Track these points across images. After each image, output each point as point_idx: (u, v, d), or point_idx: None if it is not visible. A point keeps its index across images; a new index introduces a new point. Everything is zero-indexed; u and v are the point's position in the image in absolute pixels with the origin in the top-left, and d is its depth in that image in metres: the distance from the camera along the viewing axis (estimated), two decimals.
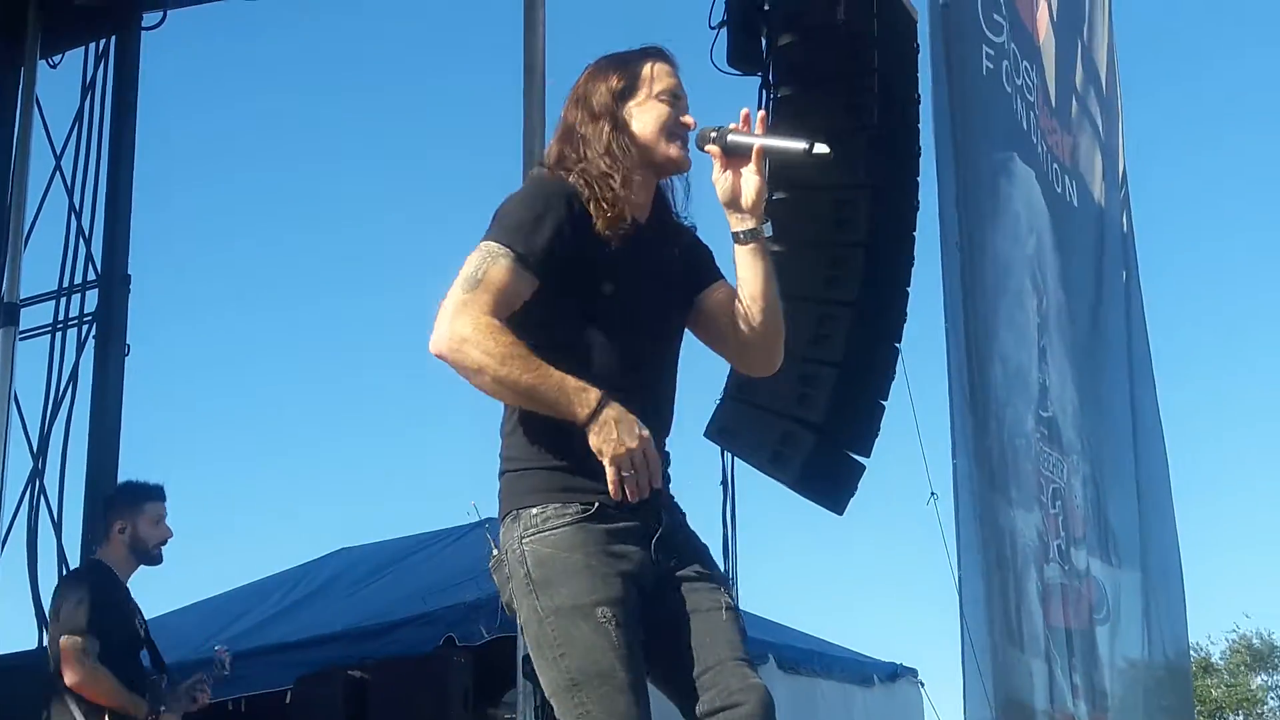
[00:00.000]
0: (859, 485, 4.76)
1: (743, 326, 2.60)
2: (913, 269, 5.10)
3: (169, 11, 7.96)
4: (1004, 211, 5.60)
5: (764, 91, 5.11)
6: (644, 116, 2.61)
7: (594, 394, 2.36)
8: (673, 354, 2.66)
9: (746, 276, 2.58)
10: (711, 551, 2.62)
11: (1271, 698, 29.55)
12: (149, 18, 7.97)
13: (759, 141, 2.50)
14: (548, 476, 2.45)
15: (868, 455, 4.78)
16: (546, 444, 2.46)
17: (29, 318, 8.31)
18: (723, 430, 4.67)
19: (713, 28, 5.12)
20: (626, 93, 2.61)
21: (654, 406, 2.53)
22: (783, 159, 2.52)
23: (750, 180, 2.52)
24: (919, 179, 5.25)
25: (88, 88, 8.46)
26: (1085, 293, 6.76)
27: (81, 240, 8.27)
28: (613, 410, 2.36)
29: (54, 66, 8.45)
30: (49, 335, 8.23)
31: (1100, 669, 6.03)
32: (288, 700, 7.19)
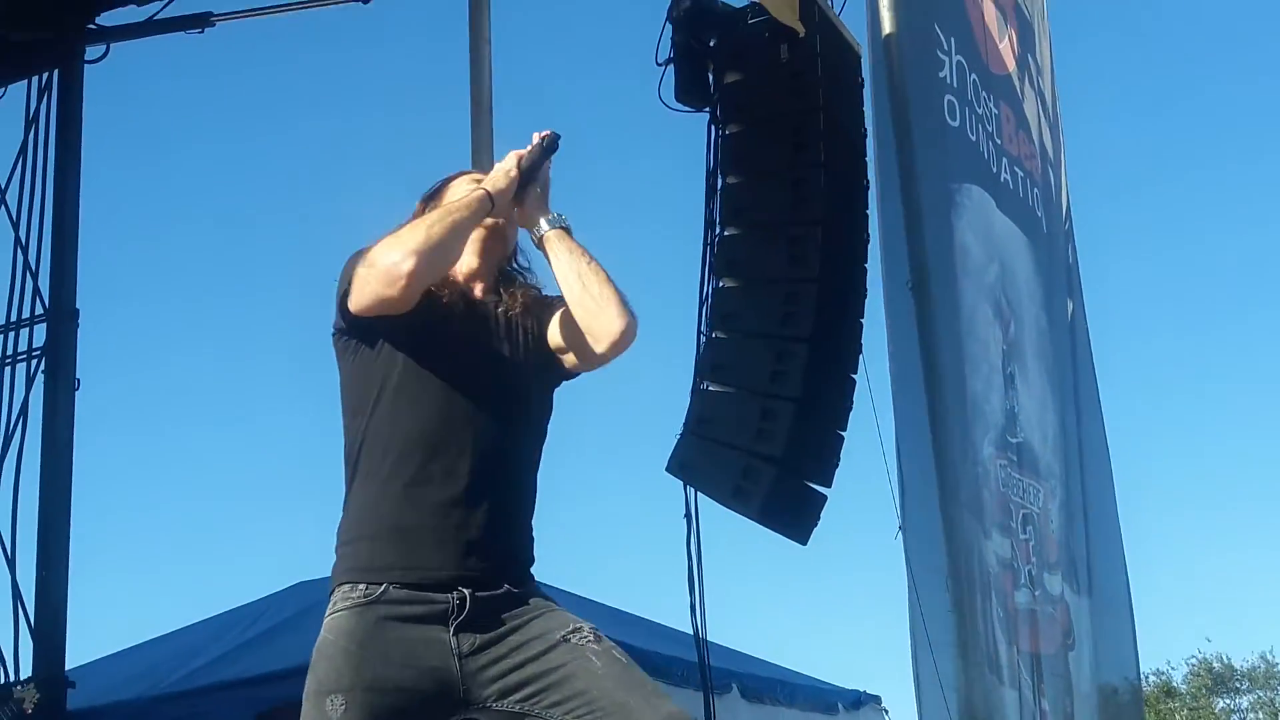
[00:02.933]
0: (821, 516, 4.83)
1: (575, 313, 2.60)
2: (865, 301, 5.19)
3: (111, 44, 7.96)
4: (954, 243, 5.71)
5: (713, 127, 5.18)
6: (449, 196, 2.71)
7: (474, 193, 2.57)
8: (527, 425, 2.64)
9: (554, 269, 2.64)
10: (553, 601, 2.52)
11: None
12: (92, 50, 7.99)
13: (524, 164, 2.67)
14: (352, 554, 2.50)
15: (829, 485, 4.85)
16: (359, 519, 2.51)
17: None
18: (684, 465, 4.72)
19: (659, 64, 5.19)
20: (434, 197, 2.75)
21: (490, 477, 2.51)
22: (535, 160, 2.69)
23: (526, 193, 2.67)
24: (869, 212, 5.34)
25: (31, 121, 8.41)
26: (1057, 317, 6.90)
27: (29, 274, 8.24)
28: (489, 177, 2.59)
29: None
30: None
31: (1069, 695, 6.12)
32: None
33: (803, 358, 4.65)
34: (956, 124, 5.85)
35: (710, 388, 4.79)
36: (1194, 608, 42.58)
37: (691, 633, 5.92)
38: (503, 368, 2.61)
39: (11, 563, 7.75)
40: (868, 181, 5.34)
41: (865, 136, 5.39)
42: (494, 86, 5.91)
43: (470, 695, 2.41)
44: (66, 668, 7.66)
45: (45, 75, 8.07)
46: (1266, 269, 42.91)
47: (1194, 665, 29.83)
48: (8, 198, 8.41)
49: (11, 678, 7.46)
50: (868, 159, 5.35)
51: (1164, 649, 32.33)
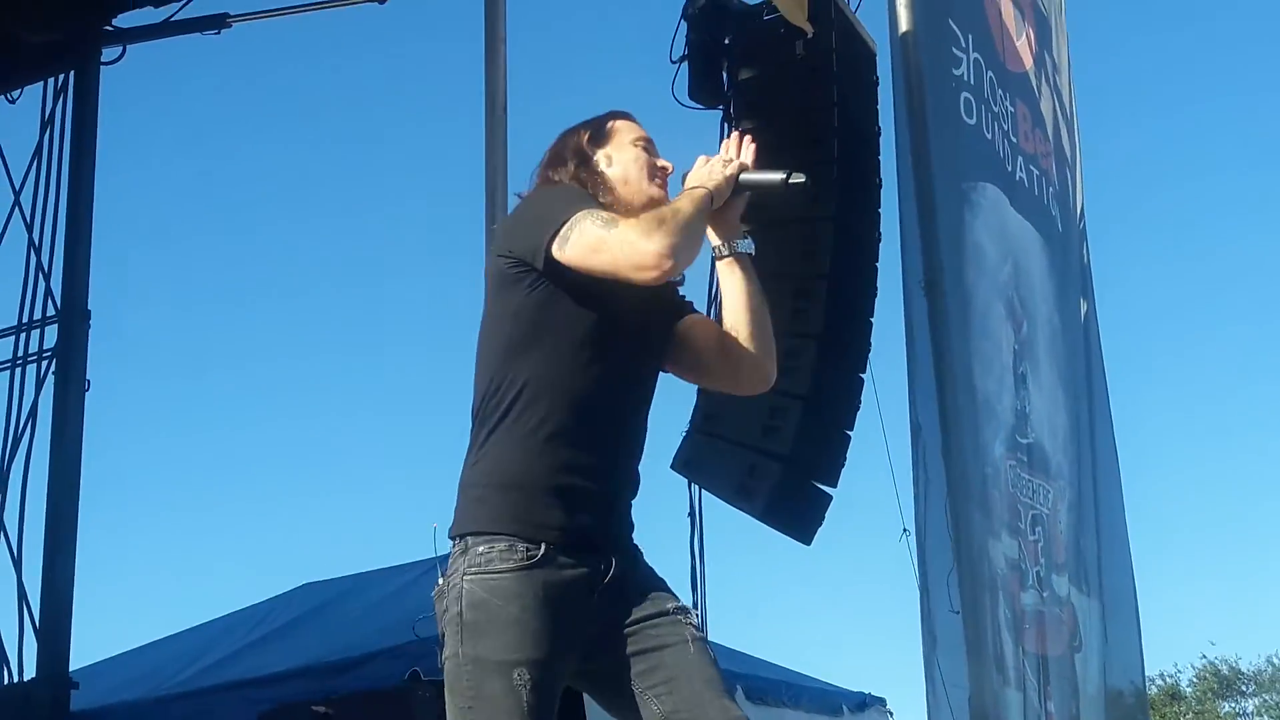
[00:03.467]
0: (826, 516, 4.79)
1: (730, 345, 2.62)
2: (875, 300, 5.15)
3: (128, 46, 7.96)
4: (968, 242, 5.66)
5: (725, 125, 5.16)
6: (622, 159, 2.67)
7: (697, 190, 2.51)
8: (650, 395, 2.66)
9: (726, 289, 2.65)
10: (671, 585, 2.58)
11: None
12: (108, 52, 7.98)
13: (743, 176, 2.62)
14: (502, 504, 2.42)
15: (834, 485, 4.82)
16: (510, 470, 2.44)
17: None
18: (689, 463, 4.69)
19: (674, 62, 5.18)
20: (596, 139, 2.69)
21: (628, 446, 2.55)
22: (762, 191, 2.63)
23: (730, 203, 2.63)
24: (880, 210, 5.30)
25: (46, 123, 8.42)
26: (1070, 317, 6.86)
27: (41, 276, 8.24)
28: (698, 180, 2.52)
29: (12, 102, 8.42)
30: (8, 371, 8.18)
31: (1076, 697, 6.07)
32: None
33: (812, 355, 4.62)
34: (973, 122, 5.80)
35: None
36: (1200, 611, 42.49)
37: None
38: (654, 343, 2.63)
39: (18, 563, 7.73)
40: (880, 179, 5.30)
41: (879, 134, 5.36)
42: (509, 86, 5.88)
43: (589, 650, 2.44)
44: (71, 668, 7.65)
45: (61, 77, 8.07)
46: (1276, 273, 42.87)
47: (1200, 669, 29.81)
48: (22, 199, 8.42)
49: (16, 678, 7.46)
50: (881, 157, 5.31)
51: (1170, 652, 32.33)
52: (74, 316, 8.13)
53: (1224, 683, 29.76)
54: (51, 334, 8.16)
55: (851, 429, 4.89)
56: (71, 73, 8.01)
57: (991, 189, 6.01)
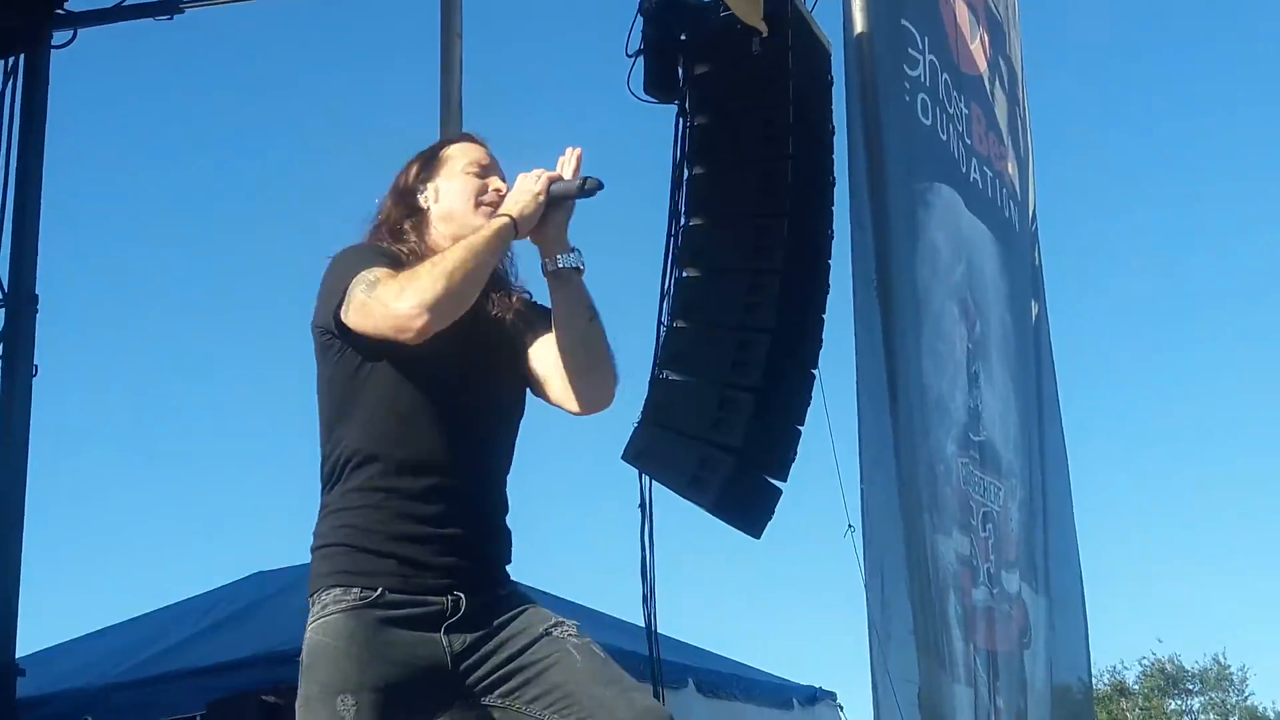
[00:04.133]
0: (776, 510, 4.81)
1: (561, 364, 2.57)
2: (828, 296, 5.19)
3: (79, 30, 7.89)
4: (921, 241, 5.71)
5: (680, 119, 5.18)
6: (449, 190, 2.64)
7: (496, 220, 2.48)
8: (501, 421, 2.62)
9: (553, 306, 2.59)
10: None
11: None
12: (59, 36, 7.89)
13: (555, 187, 2.56)
14: (340, 558, 2.47)
15: (784, 479, 4.84)
16: (347, 524, 2.47)
17: None
18: (640, 454, 4.70)
19: (629, 55, 5.20)
20: (424, 172, 2.66)
21: (476, 482, 2.54)
22: (568, 194, 2.57)
23: (548, 219, 2.56)
24: (834, 208, 5.34)
25: None
26: (1022, 318, 6.92)
27: None
28: (505, 206, 2.49)
29: None
30: None
31: (1024, 693, 6.13)
32: None
33: (764, 348, 4.65)
34: (928, 123, 5.85)
35: (669, 376, 4.77)
36: (1146, 609, 43.01)
37: (643, 625, 5.92)
38: (492, 377, 2.59)
39: None
40: (834, 178, 5.34)
41: (834, 133, 5.39)
42: (464, 81, 5.87)
43: (461, 691, 2.44)
44: (17, 655, 7.59)
45: (11, 60, 7.98)
46: (1220, 279, 43.37)
47: (1147, 666, 30.18)
48: None
49: None
50: (835, 156, 5.34)
51: (1118, 649, 32.67)
52: (21, 301, 8.04)
53: (1170, 680, 30.14)
54: None
55: (803, 424, 4.92)
56: (21, 56, 7.91)
57: (946, 189, 6.06)
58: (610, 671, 2.43)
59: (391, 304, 2.36)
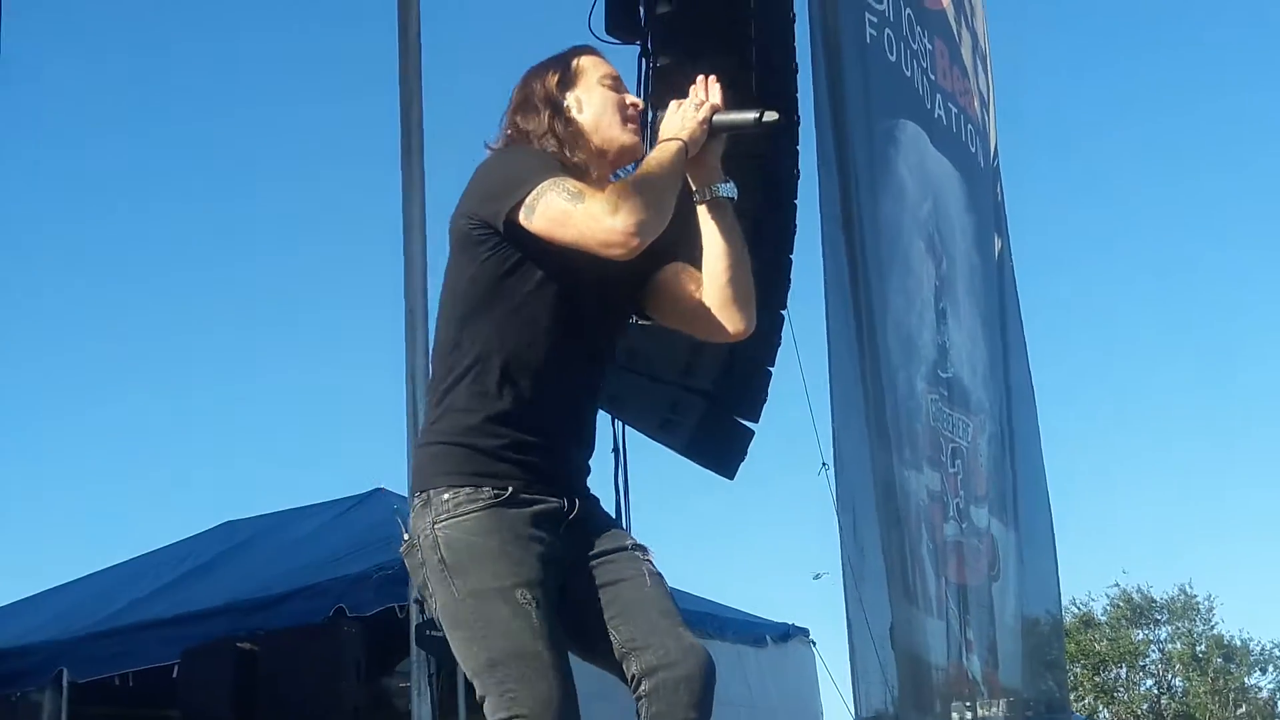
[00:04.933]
0: (749, 450, 4.85)
1: (709, 291, 2.57)
2: (795, 237, 5.19)
3: None
4: (889, 178, 5.71)
5: (643, 60, 5.14)
6: (592, 102, 2.59)
7: (671, 143, 2.45)
8: (606, 353, 2.67)
9: (706, 235, 2.56)
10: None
11: (1153, 650, 30.59)
12: None
13: (718, 117, 2.52)
14: (464, 458, 2.45)
15: (756, 420, 4.87)
16: (469, 423, 2.45)
17: None
18: (612, 399, 4.71)
19: None
20: (565, 82, 2.60)
21: (581, 403, 2.58)
22: (737, 130, 2.55)
23: (707, 148, 2.53)
24: (798, 148, 5.32)
25: None
26: (988, 254, 6.93)
27: None
28: (672, 131, 2.46)
29: None
30: None
31: (993, 625, 6.21)
32: (174, 674, 7.12)
33: None
34: (892, 59, 5.82)
35: (639, 322, 4.76)
36: (1112, 539, 43.54)
37: None
38: (610, 295, 2.58)
39: None
40: (799, 116, 5.32)
41: (797, 71, 5.37)
42: (421, 8, 5.78)
43: (560, 584, 2.47)
44: None
45: None
46: (1189, 215, 43.57)
47: (1113, 596, 30.54)
48: None
49: None
50: (800, 94, 5.33)
51: (1083, 580, 33.06)
52: None
53: (1137, 610, 30.52)
54: None
55: (773, 365, 4.94)
56: None
57: (911, 126, 6.05)
58: (669, 605, 2.48)
59: (606, 220, 2.33)
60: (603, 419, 4.81)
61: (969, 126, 6.83)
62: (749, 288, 2.58)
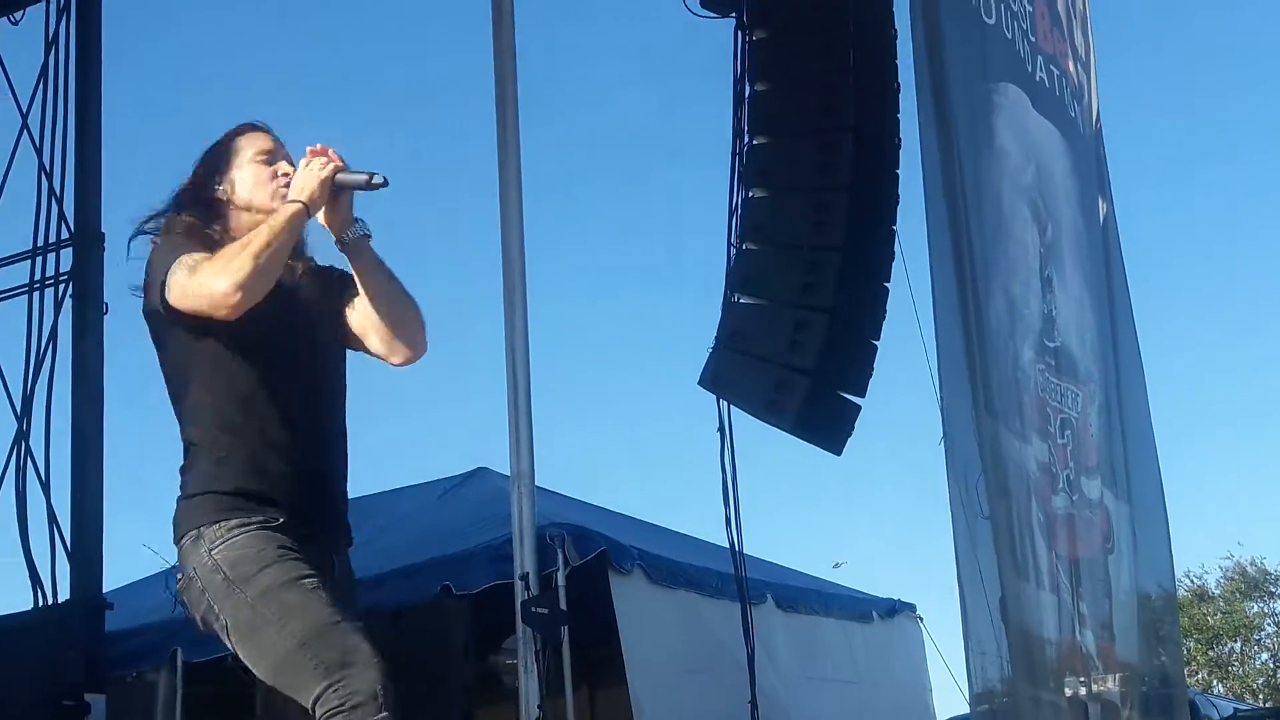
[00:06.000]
0: (855, 425, 4.79)
1: (374, 324, 2.88)
2: (898, 207, 5.10)
3: None
4: (992, 143, 5.59)
5: (739, 34, 5.08)
6: (243, 181, 2.91)
7: (290, 205, 2.75)
8: (334, 379, 2.92)
9: (356, 275, 2.86)
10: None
11: (1269, 624, 29.95)
12: None
13: (340, 176, 2.81)
14: (230, 500, 2.69)
15: (862, 395, 4.81)
16: (231, 470, 2.71)
17: (5, 279, 8.27)
18: (716, 379, 4.69)
19: None
20: (217, 169, 2.93)
21: (327, 428, 2.84)
22: (354, 185, 2.84)
23: (336, 202, 2.83)
24: (899, 116, 5.23)
25: (50, 43, 8.35)
26: (1093, 219, 6.79)
27: (54, 199, 8.22)
28: (295, 191, 2.76)
29: (15, 23, 8.34)
30: (25, 296, 8.20)
31: (1109, 599, 6.10)
32: None
33: (835, 267, 4.60)
34: (992, 21, 5.69)
35: (742, 300, 4.74)
36: (1226, 510, 42.63)
37: (727, 545, 5.92)
38: (312, 338, 2.88)
39: (46, 487, 7.80)
40: (899, 84, 5.22)
41: (896, 37, 5.27)
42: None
43: None
44: (104, 590, 7.74)
45: None
46: None
47: (1228, 569, 29.93)
48: (30, 122, 8.37)
49: (50, 601, 7.56)
50: (899, 61, 5.23)
51: (1197, 552, 32.42)
52: (88, 239, 8.11)
53: (1251, 583, 29.86)
54: (67, 257, 8.16)
55: (878, 339, 4.88)
56: None
57: (1013, 89, 5.91)
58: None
59: (208, 283, 2.64)
60: (708, 399, 4.78)
61: (1069, 89, 6.67)
62: (407, 314, 2.88)
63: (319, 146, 2.84)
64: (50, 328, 7.98)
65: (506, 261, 6.67)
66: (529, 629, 6.39)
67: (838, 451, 4.73)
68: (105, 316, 8.04)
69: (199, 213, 2.88)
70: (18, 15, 8.30)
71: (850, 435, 4.77)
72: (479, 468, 9.37)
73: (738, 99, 4.85)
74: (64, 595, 7.59)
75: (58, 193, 8.19)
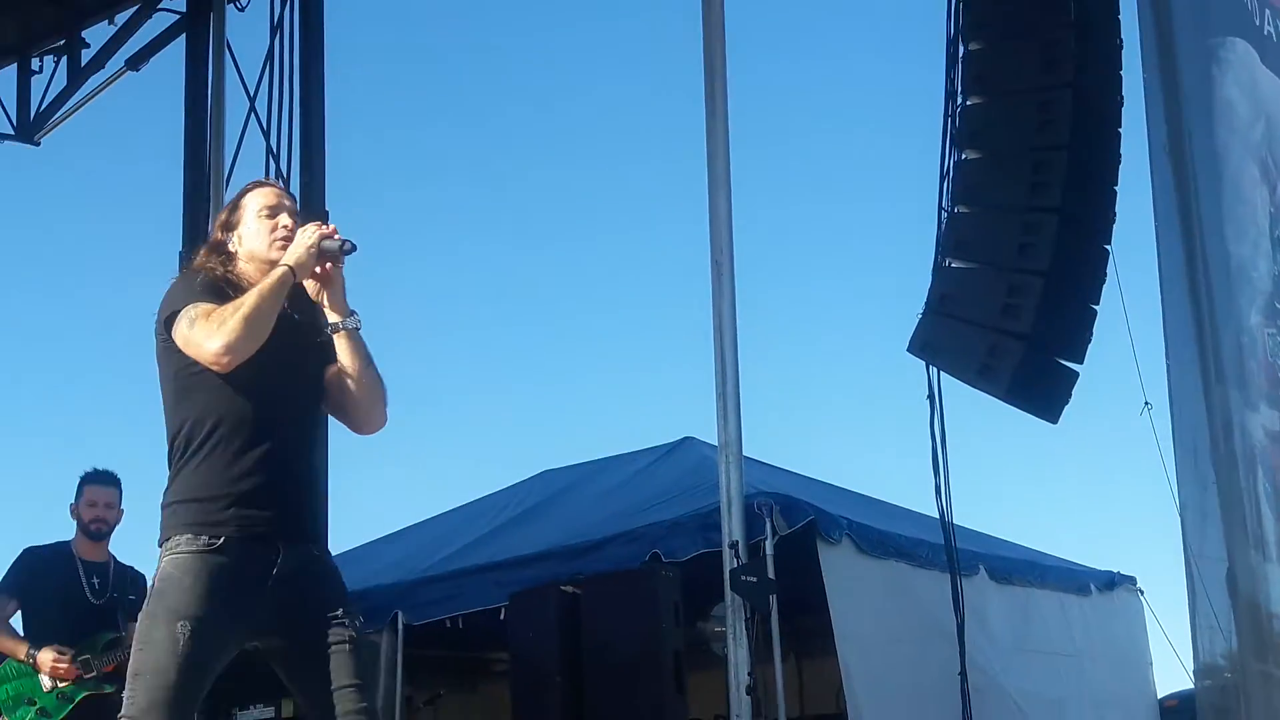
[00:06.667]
0: (1073, 393, 4.64)
1: (346, 393, 3.25)
2: (1120, 167, 4.92)
3: None
4: (1219, 99, 5.35)
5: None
6: (248, 234, 3.30)
7: (279, 270, 3.14)
8: (311, 411, 3.27)
9: (341, 358, 3.21)
10: (343, 583, 3.22)
11: None
12: None
13: (325, 244, 3.20)
14: (192, 512, 3.07)
15: (1080, 361, 4.66)
16: (195, 486, 3.09)
17: None
18: (926, 345, 4.60)
19: None
20: (228, 225, 3.35)
21: (297, 452, 3.18)
22: (333, 252, 3.20)
23: (332, 283, 3.21)
24: (1122, 73, 5.04)
25: (275, 28, 8.67)
26: None
27: (280, 180, 8.54)
28: (287, 256, 3.14)
29: (241, 9, 8.69)
30: None
31: None
32: (502, 616, 7.41)
33: (1052, 229, 4.47)
34: None
35: (953, 264, 4.64)
36: None
37: (937, 515, 5.84)
38: (296, 376, 3.22)
39: None
40: (1121, 41, 5.04)
41: None
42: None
43: (264, 630, 3.09)
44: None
45: None
46: None
47: None
48: (257, 105, 8.72)
49: None
50: (1121, 17, 5.04)
51: None
52: (312, 219, 8.37)
53: None
54: None
55: (1097, 303, 4.72)
56: None
57: (1240, 44, 5.65)
58: (355, 669, 3.08)
59: (205, 344, 3.07)
60: (917, 366, 4.69)
61: None
62: (375, 397, 3.25)
63: (325, 226, 3.28)
64: None
65: (714, 234, 6.69)
66: (737, 597, 6.42)
67: (1054, 419, 4.60)
68: None
69: (217, 259, 3.30)
70: (244, 1, 8.65)
71: (1067, 403, 4.64)
72: (685, 437, 9.42)
73: (950, 59, 4.75)
74: None
75: (284, 174, 8.53)
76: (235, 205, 3.39)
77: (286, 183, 8.47)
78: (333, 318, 3.23)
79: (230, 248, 3.32)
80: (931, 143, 4.90)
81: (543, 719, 6.50)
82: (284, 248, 3.23)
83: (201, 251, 3.38)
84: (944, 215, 4.69)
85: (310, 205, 8.40)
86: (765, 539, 6.65)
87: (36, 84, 10.40)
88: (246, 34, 8.86)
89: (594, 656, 6.46)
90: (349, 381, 3.23)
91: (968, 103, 4.70)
